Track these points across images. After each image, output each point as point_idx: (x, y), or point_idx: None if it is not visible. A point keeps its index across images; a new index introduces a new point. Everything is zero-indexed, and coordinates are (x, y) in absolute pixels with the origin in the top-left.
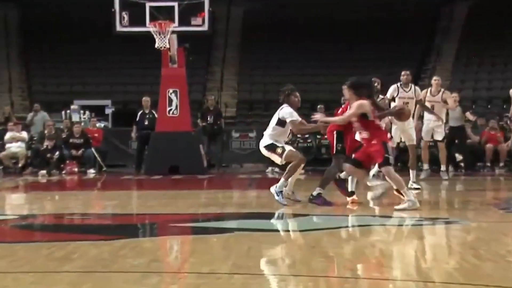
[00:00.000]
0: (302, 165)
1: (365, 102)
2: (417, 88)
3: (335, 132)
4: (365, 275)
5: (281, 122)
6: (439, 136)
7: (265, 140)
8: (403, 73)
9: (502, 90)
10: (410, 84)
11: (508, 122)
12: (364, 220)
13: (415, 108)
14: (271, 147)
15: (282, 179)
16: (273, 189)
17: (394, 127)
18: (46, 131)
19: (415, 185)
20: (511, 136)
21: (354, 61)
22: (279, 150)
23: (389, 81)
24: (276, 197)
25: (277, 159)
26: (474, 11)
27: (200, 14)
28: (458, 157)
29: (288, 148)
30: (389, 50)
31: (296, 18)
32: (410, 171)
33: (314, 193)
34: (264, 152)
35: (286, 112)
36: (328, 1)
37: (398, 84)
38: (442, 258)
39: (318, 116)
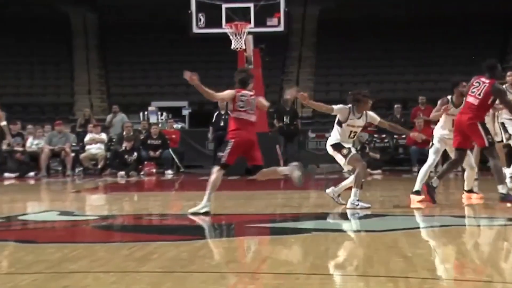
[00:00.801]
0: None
1: None
2: None
3: (479, 124)
4: (444, 276)
5: (339, 122)
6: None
7: (332, 139)
8: (508, 73)
9: None
10: None
11: None
12: (443, 221)
13: None
14: (337, 147)
15: (354, 189)
16: (348, 204)
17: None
18: (124, 133)
19: None
20: None
21: (431, 60)
22: (344, 151)
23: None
24: (358, 208)
25: (340, 160)
26: None
27: (276, 15)
28: None
29: (353, 151)
30: (466, 48)
31: (373, 17)
32: None
33: (503, 191)
34: (330, 150)
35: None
36: None
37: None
38: None
39: None
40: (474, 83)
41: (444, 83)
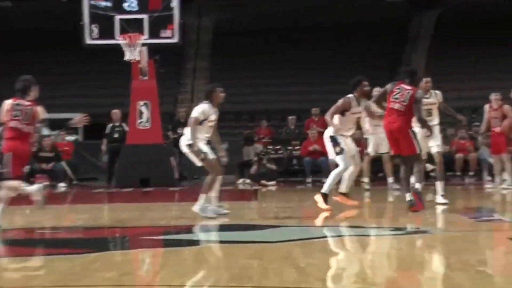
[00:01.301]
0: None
1: None
2: (437, 92)
3: (410, 131)
4: (336, 287)
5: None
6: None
7: (186, 138)
8: (424, 80)
9: (471, 100)
10: (430, 91)
11: (479, 136)
12: (336, 231)
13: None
14: (190, 146)
15: (202, 195)
16: (196, 208)
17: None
18: None
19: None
20: (480, 145)
21: (325, 70)
22: (202, 156)
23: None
24: (202, 214)
25: (195, 160)
26: (443, 19)
27: (170, 26)
28: (429, 166)
29: (212, 156)
30: (359, 59)
31: (267, 27)
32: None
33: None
34: (184, 149)
35: (195, 109)
36: (298, 8)
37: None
38: (413, 268)
39: None
40: (395, 90)
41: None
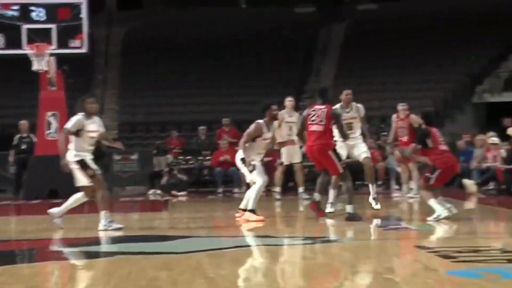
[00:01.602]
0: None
1: None
2: (359, 106)
3: (331, 152)
4: None
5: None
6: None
7: (72, 154)
8: (344, 92)
9: (379, 110)
10: (351, 104)
11: (387, 145)
12: (247, 241)
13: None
14: (80, 162)
15: (102, 212)
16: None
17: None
18: None
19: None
20: (388, 155)
21: (235, 80)
22: (91, 172)
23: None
24: (111, 229)
25: (82, 179)
26: (351, 31)
27: (79, 36)
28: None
29: (99, 172)
30: (270, 70)
31: (177, 38)
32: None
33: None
34: (72, 165)
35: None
36: (208, 20)
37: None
38: (322, 277)
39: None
40: (310, 113)
41: (247, 105)
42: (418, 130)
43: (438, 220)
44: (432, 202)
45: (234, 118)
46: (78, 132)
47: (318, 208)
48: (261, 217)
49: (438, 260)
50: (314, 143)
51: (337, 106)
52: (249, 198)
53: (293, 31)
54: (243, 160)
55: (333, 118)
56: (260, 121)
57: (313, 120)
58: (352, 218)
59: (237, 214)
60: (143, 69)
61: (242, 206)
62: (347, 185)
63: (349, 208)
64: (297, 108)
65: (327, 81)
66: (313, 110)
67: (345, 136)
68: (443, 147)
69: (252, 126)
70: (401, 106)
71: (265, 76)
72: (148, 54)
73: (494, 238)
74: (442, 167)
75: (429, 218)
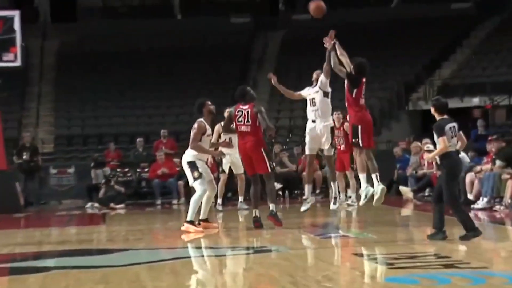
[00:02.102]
0: None
1: None
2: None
3: (263, 151)
4: None
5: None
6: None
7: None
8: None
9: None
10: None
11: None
12: (186, 252)
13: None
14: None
15: None
16: None
17: None
18: None
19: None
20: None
21: (172, 92)
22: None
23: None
24: None
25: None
26: (286, 40)
27: (12, 49)
28: (277, 185)
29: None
30: (206, 81)
31: (112, 50)
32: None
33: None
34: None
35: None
36: (144, 32)
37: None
38: (261, 286)
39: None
40: (237, 113)
41: (184, 116)
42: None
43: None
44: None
45: (172, 130)
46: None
47: (276, 220)
48: (200, 228)
49: (376, 267)
50: (246, 140)
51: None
52: (189, 207)
53: (229, 42)
54: (190, 164)
55: (258, 114)
56: (200, 119)
57: (240, 121)
58: (275, 216)
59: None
60: (79, 82)
61: (201, 217)
62: (271, 185)
63: (272, 207)
64: None
65: (264, 91)
66: (239, 111)
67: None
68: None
69: (195, 126)
70: (336, 115)
71: (202, 86)
72: (83, 66)
73: (429, 244)
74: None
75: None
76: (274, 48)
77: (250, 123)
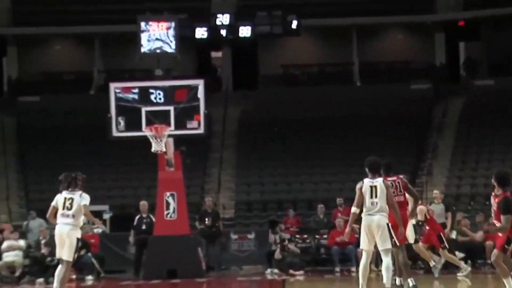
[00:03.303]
0: None
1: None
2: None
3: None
4: None
5: None
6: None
7: None
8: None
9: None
10: None
11: None
12: None
13: None
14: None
15: None
16: None
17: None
18: (41, 237)
19: None
20: None
21: (352, 160)
22: None
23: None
24: None
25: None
26: (468, 106)
27: (196, 117)
28: (459, 255)
29: None
30: (384, 149)
31: (290, 116)
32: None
33: None
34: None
35: None
36: (324, 99)
37: None
38: None
39: None
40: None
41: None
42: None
43: None
44: None
45: (349, 197)
46: None
47: None
48: None
49: None
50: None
51: None
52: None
53: (407, 108)
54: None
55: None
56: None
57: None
58: None
59: None
60: (259, 148)
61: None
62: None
63: None
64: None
65: (445, 158)
66: (391, 183)
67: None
68: None
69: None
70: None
71: (380, 152)
72: (263, 133)
73: None
74: None
75: None
76: (454, 114)
77: (402, 193)
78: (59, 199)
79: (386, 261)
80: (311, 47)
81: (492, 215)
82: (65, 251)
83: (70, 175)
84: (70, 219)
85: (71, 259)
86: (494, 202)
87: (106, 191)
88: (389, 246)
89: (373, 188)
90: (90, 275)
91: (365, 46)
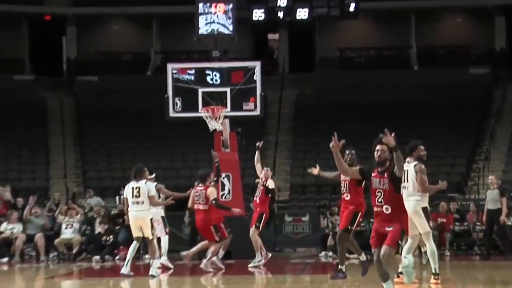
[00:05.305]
0: None
1: None
2: None
3: None
4: None
5: None
6: None
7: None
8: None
9: None
10: None
11: None
12: None
13: None
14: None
15: None
16: None
17: None
18: (95, 215)
19: None
20: None
21: (406, 145)
22: None
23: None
24: None
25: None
26: None
27: (252, 99)
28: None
29: None
30: (442, 134)
31: (346, 100)
32: None
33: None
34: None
35: None
36: (381, 83)
37: None
38: None
39: None
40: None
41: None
42: None
43: None
44: None
45: None
46: None
47: None
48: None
49: None
50: None
51: None
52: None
53: (466, 93)
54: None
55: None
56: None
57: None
58: None
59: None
60: (314, 132)
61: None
62: None
63: None
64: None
65: (503, 143)
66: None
67: None
68: None
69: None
70: None
71: (437, 139)
72: (319, 116)
73: None
74: None
75: None
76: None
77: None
78: (128, 190)
79: (428, 246)
80: (368, 30)
81: None
82: (144, 232)
83: (140, 166)
84: (140, 205)
85: (151, 236)
86: None
87: (162, 171)
88: (427, 229)
89: (405, 172)
90: (147, 254)
91: (424, 29)
